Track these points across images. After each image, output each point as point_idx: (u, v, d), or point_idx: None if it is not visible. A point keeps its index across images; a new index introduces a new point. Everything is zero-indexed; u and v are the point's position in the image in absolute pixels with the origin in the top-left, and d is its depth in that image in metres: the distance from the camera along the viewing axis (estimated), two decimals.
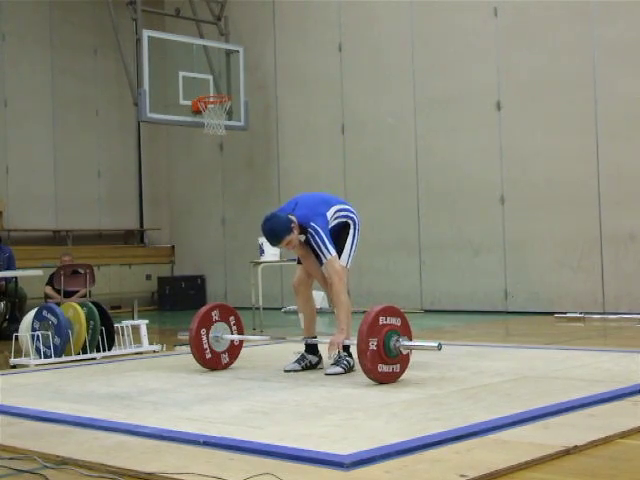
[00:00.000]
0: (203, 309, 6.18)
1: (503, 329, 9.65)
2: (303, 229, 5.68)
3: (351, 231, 5.86)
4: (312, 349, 5.99)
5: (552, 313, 10.36)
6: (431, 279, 12.03)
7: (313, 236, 5.60)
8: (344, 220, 5.86)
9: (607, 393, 4.58)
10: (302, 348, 6.08)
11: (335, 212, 5.80)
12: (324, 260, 5.60)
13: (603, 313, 10.24)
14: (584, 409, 4.21)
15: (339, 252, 5.76)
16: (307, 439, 3.68)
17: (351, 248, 5.79)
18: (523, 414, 4.04)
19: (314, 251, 5.74)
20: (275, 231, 5.60)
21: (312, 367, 5.93)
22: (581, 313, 10.07)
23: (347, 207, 5.94)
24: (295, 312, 10.98)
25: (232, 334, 6.18)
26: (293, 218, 5.64)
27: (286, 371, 5.86)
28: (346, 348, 5.75)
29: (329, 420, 4.13)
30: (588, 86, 10.51)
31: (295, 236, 5.64)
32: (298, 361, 5.94)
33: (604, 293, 10.44)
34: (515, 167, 11.18)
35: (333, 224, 5.78)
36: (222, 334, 6.11)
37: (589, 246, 10.54)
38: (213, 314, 6.14)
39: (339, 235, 5.84)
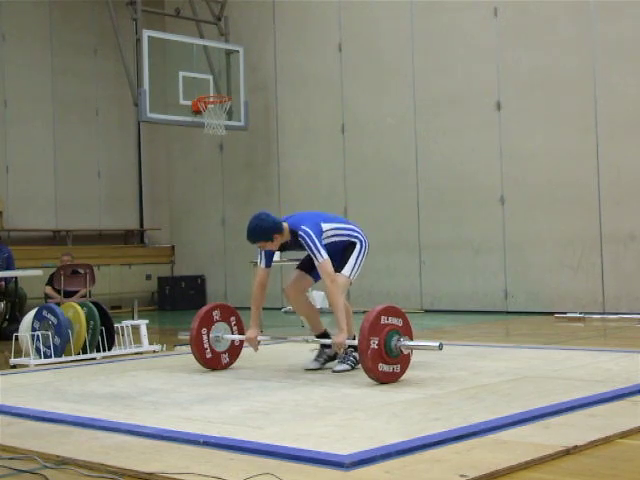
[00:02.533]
0: (204, 309, 6.19)
1: (503, 329, 9.64)
2: (294, 233, 5.68)
3: (357, 247, 5.82)
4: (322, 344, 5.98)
5: (552, 313, 10.36)
6: (431, 279, 12.03)
7: (304, 238, 5.62)
8: (347, 239, 5.85)
9: (607, 393, 4.59)
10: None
11: (334, 229, 5.79)
12: (317, 263, 5.61)
13: (603, 313, 10.24)
14: (584, 409, 4.22)
15: (343, 264, 5.75)
16: (307, 439, 3.69)
17: (355, 262, 5.73)
18: (523, 414, 4.05)
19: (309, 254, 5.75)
20: (254, 232, 5.71)
21: (332, 359, 5.94)
22: (581, 313, 10.07)
23: (352, 227, 5.93)
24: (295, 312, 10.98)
25: (233, 334, 6.19)
26: (285, 225, 5.70)
27: (307, 370, 5.86)
28: (354, 347, 5.76)
29: (329, 420, 4.13)
30: (588, 86, 10.51)
31: (273, 244, 5.72)
32: (317, 358, 5.95)
33: (604, 293, 10.44)
34: (515, 167, 11.18)
35: (332, 241, 5.77)
36: (223, 334, 6.11)
37: (589, 246, 10.54)
38: (214, 314, 6.14)
39: (344, 252, 5.83)
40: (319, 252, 5.56)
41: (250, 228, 5.71)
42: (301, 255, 6.10)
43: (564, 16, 10.77)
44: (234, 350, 6.24)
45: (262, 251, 5.88)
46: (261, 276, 5.94)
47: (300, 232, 5.63)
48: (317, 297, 10.56)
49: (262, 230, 5.66)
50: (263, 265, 5.92)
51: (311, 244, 5.58)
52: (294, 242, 5.73)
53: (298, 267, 6.04)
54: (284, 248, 5.88)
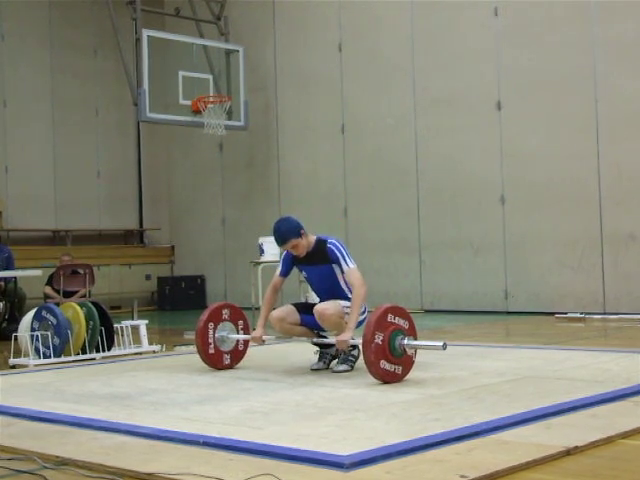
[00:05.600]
0: (215, 304, 6.30)
1: (503, 329, 9.64)
2: (322, 242, 5.78)
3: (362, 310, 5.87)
4: (325, 344, 5.99)
5: (552, 313, 10.36)
6: (431, 279, 12.02)
7: (335, 245, 5.75)
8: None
9: (608, 393, 4.58)
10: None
11: None
12: (345, 268, 5.70)
13: (603, 313, 10.23)
14: (585, 409, 4.21)
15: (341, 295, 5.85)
16: (307, 439, 3.68)
17: (356, 320, 5.71)
18: (524, 414, 4.04)
19: (325, 268, 5.77)
20: (283, 230, 5.77)
21: (335, 357, 5.98)
22: (581, 313, 10.07)
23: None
24: None
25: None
26: (310, 235, 5.82)
27: (313, 370, 5.91)
28: (353, 345, 5.79)
29: (329, 420, 4.12)
30: (588, 86, 10.50)
31: (303, 242, 5.76)
32: (322, 360, 5.99)
33: (604, 293, 10.43)
34: (515, 167, 11.17)
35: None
36: (228, 333, 6.12)
37: (589, 246, 10.53)
38: (224, 312, 6.18)
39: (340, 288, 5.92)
40: (349, 259, 5.73)
41: (277, 229, 5.80)
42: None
43: (564, 16, 10.76)
44: (237, 353, 6.24)
45: (283, 259, 5.99)
46: (275, 282, 6.06)
47: (331, 240, 5.80)
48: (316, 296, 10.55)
49: (291, 227, 5.76)
50: (279, 272, 6.03)
51: (343, 250, 5.75)
52: (315, 253, 5.80)
53: (292, 304, 6.11)
54: (302, 261, 5.89)
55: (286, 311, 5.95)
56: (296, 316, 5.93)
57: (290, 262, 5.98)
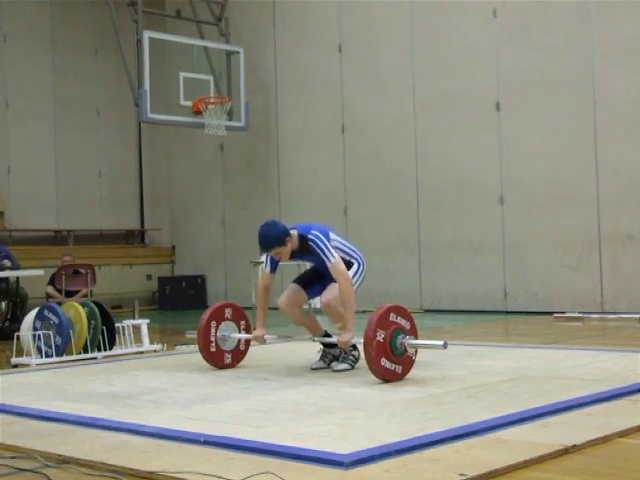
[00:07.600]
0: (218, 303, 6.32)
1: (503, 329, 9.66)
2: (304, 239, 5.71)
3: (355, 266, 5.85)
4: (329, 344, 6.00)
5: (551, 313, 10.38)
6: (431, 279, 12.04)
7: (314, 241, 5.65)
8: (348, 258, 5.86)
9: (606, 392, 4.60)
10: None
11: (339, 242, 5.85)
12: (329, 264, 5.63)
13: (602, 313, 10.25)
14: (583, 408, 4.23)
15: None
16: (307, 438, 3.70)
17: (354, 277, 5.71)
18: (522, 413, 4.06)
19: (317, 257, 5.74)
20: (267, 238, 5.67)
21: (336, 359, 5.98)
22: (580, 313, 10.09)
23: (354, 248, 5.96)
24: None
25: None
26: (293, 232, 5.73)
27: (313, 369, 5.90)
28: (353, 346, 5.80)
29: (329, 419, 4.14)
30: (587, 86, 10.52)
31: (286, 250, 5.70)
32: (323, 358, 6.00)
33: (603, 293, 10.46)
34: (515, 167, 11.19)
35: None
36: (230, 333, 6.15)
37: (588, 246, 10.56)
38: (226, 311, 6.21)
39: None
40: (330, 253, 5.61)
41: (262, 235, 5.68)
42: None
43: (564, 16, 10.78)
44: (238, 353, 6.27)
45: (268, 257, 5.90)
46: (265, 280, 6.01)
47: (310, 236, 5.67)
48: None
49: (275, 235, 5.65)
50: (268, 270, 5.96)
51: (322, 246, 5.63)
52: (301, 249, 5.76)
53: (294, 281, 6.09)
54: (291, 257, 5.89)
55: (293, 292, 5.92)
56: (302, 295, 5.92)
57: (277, 259, 5.92)
